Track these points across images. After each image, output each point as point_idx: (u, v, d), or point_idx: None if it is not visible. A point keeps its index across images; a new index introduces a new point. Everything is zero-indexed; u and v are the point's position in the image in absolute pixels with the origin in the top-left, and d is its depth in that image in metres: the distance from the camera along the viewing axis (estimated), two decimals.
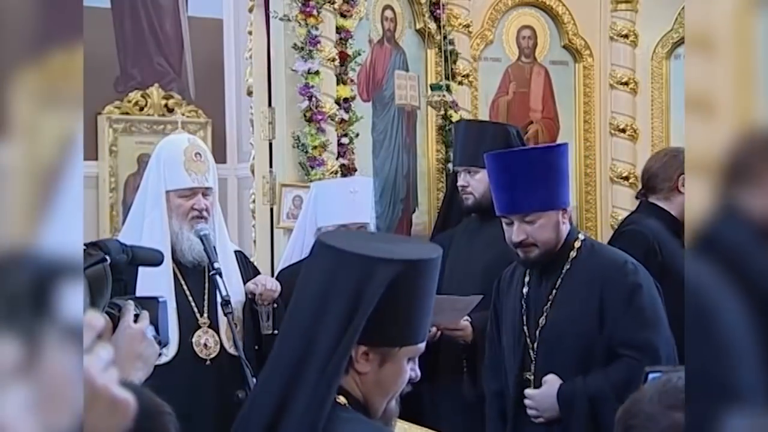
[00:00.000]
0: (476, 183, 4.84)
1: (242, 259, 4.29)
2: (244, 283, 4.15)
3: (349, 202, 4.55)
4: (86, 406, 1.14)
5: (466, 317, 4.58)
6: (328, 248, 2.22)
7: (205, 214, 4.02)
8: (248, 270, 4.26)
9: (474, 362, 4.57)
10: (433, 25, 5.68)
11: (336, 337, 2.16)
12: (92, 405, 1.15)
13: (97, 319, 1.21)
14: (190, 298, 4.03)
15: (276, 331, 4.08)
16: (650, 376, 3.38)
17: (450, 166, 5.68)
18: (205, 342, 4.00)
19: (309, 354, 2.17)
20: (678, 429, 1.69)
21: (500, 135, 4.91)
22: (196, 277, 4.05)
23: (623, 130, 6.08)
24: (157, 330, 2.36)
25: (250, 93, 5.36)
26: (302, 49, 5.01)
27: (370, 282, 2.16)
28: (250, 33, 5.39)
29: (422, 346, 2.31)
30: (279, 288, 4.17)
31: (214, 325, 4.02)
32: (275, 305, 4.12)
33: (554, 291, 3.81)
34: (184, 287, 4.03)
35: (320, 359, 2.16)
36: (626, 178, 6.06)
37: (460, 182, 4.90)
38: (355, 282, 2.17)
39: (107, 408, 1.16)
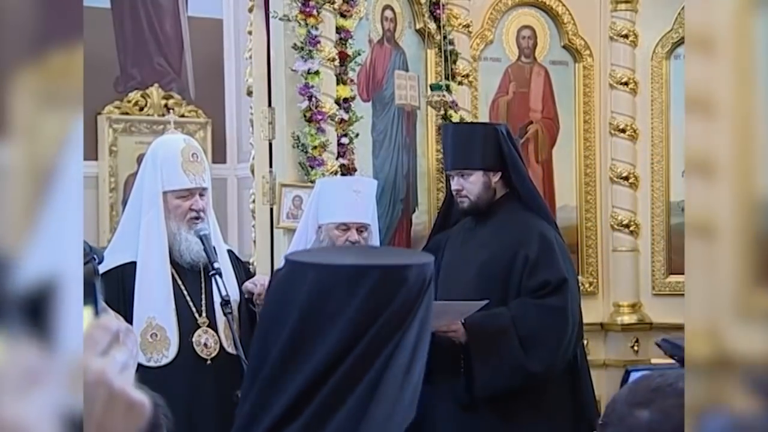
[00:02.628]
0: (470, 185, 4.82)
1: (234, 258, 4.30)
2: (237, 283, 4.15)
3: (351, 201, 4.53)
4: (103, 408, 1.15)
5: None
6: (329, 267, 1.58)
7: (202, 214, 4.03)
8: (240, 269, 4.27)
9: (469, 364, 4.56)
10: (433, 25, 5.68)
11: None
12: (109, 407, 1.16)
13: (113, 322, 1.21)
14: (188, 299, 4.03)
15: None
16: (631, 374, 3.42)
17: None
18: (205, 341, 4.00)
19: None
20: (641, 428, 1.67)
21: (489, 135, 4.90)
22: (193, 277, 4.05)
23: (623, 130, 6.08)
24: None
25: (250, 93, 5.36)
26: (302, 49, 5.01)
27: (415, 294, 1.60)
28: (250, 33, 5.40)
29: None
30: None
31: (212, 325, 4.02)
32: None
33: None
34: (182, 288, 4.03)
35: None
36: (626, 178, 6.06)
37: (454, 186, 4.86)
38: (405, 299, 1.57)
39: (124, 410, 1.17)
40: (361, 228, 4.52)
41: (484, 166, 4.80)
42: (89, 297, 1.21)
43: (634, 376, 3.49)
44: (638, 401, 1.69)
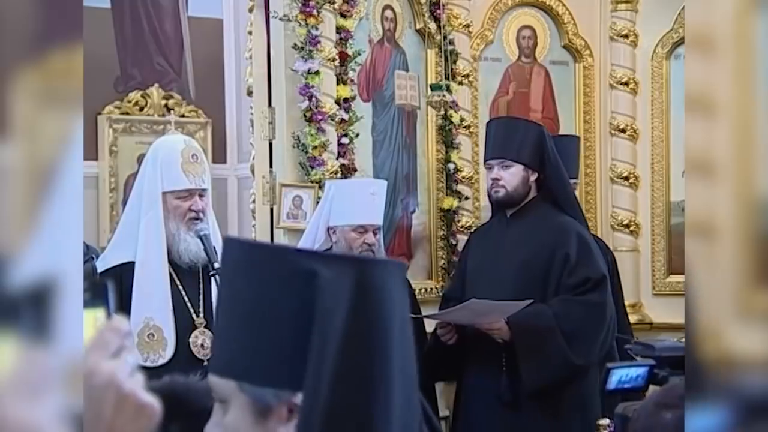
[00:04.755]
0: (509, 176, 4.84)
1: None
2: None
3: (368, 203, 4.56)
4: (113, 410, 1.15)
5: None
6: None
7: (202, 215, 4.03)
8: None
9: (514, 362, 4.59)
10: (433, 25, 5.68)
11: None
12: (119, 409, 1.16)
13: (123, 324, 1.22)
14: (186, 299, 4.03)
15: None
16: (611, 372, 3.44)
17: (450, 166, 5.68)
18: (202, 342, 4.00)
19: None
20: (661, 427, 1.70)
21: (536, 134, 4.92)
22: (191, 278, 4.05)
23: (623, 130, 6.08)
24: None
25: (250, 93, 5.36)
26: (302, 49, 5.01)
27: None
28: (250, 33, 5.40)
29: None
30: None
31: (210, 326, 4.02)
32: None
33: None
34: (180, 288, 4.03)
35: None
36: (626, 178, 6.06)
37: (493, 175, 4.88)
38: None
39: (134, 412, 1.17)
40: (376, 230, 4.57)
41: (526, 162, 4.84)
42: (101, 298, 1.21)
43: (613, 373, 3.51)
44: (666, 403, 1.78)
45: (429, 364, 4.87)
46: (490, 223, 5.04)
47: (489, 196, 4.99)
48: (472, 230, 5.30)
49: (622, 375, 3.54)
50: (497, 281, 4.74)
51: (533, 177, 4.86)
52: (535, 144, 4.86)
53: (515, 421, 4.64)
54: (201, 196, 4.06)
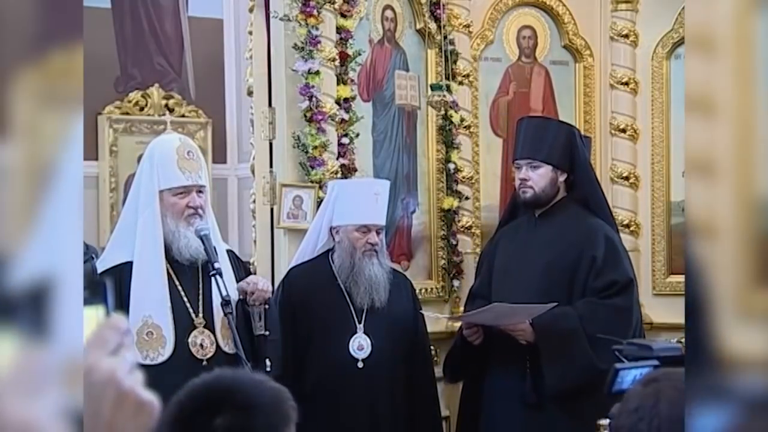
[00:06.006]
0: (538, 177, 4.85)
1: (233, 258, 4.29)
2: (237, 283, 4.15)
3: (372, 204, 4.57)
4: (113, 407, 1.16)
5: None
6: None
7: (200, 211, 4.03)
8: (239, 269, 4.27)
9: (538, 363, 4.59)
10: (433, 25, 5.68)
11: None
12: (119, 407, 1.17)
13: (122, 322, 1.22)
14: (185, 299, 4.02)
15: (268, 332, 4.08)
16: (619, 373, 3.44)
17: (450, 166, 5.68)
18: (201, 342, 4.00)
19: None
20: (646, 396, 1.81)
21: (567, 134, 4.91)
22: (191, 278, 4.04)
23: (623, 130, 6.07)
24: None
25: (250, 93, 5.36)
26: (302, 49, 5.01)
27: None
28: (250, 33, 5.40)
29: None
30: (270, 288, 4.18)
31: (209, 325, 4.02)
32: (266, 306, 4.10)
33: None
34: (179, 287, 4.03)
35: None
36: (626, 178, 6.06)
37: (521, 175, 4.88)
38: None
39: (134, 409, 1.18)
40: (379, 230, 4.58)
41: (555, 163, 4.84)
42: (100, 297, 1.21)
43: (622, 374, 3.51)
44: (649, 379, 1.91)
45: (454, 363, 4.88)
46: (518, 221, 5.03)
47: (516, 196, 4.99)
48: (499, 226, 5.25)
49: (636, 375, 3.52)
50: (524, 281, 4.74)
51: (562, 177, 4.86)
52: (565, 145, 4.86)
53: (539, 422, 4.63)
54: (199, 192, 4.06)
